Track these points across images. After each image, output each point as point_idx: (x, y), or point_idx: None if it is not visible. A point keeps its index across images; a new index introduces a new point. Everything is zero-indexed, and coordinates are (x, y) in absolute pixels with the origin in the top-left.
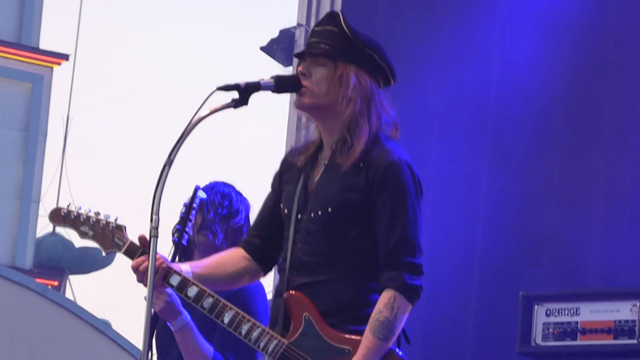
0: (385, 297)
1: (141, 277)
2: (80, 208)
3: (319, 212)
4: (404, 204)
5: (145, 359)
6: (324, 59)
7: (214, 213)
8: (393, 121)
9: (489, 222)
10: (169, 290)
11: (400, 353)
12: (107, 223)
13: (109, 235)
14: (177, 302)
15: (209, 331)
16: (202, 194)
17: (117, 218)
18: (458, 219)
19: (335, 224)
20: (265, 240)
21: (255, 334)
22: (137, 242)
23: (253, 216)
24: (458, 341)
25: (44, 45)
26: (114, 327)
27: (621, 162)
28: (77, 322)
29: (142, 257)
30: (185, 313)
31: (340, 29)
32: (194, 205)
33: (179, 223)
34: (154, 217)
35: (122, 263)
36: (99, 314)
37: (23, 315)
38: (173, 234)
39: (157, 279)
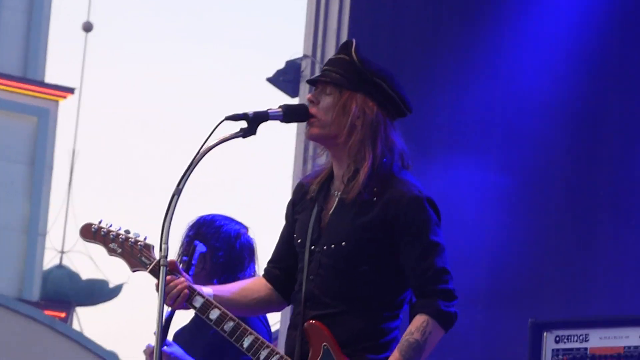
0: (418, 321)
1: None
2: (111, 225)
3: (332, 246)
4: (431, 235)
5: None
6: (331, 88)
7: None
8: (400, 152)
9: (497, 250)
10: (168, 348)
11: None
12: (136, 241)
13: (136, 254)
14: (181, 355)
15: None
16: (201, 248)
17: (146, 237)
18: (466, 247)
19: (348, 259)
20: (285, 271)
21: None
22: None
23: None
24: None
25: (49, 79)
26: (121, 358)
27: (630, 189)
28: (85, 353)
29: (167, 278)
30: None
31: (350, 58)
32: (193, 262)
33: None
34: (163, 246)
35: (129, 295)
36: (106, 345)
37: (31, 347)
38: None
39: (180, 300)
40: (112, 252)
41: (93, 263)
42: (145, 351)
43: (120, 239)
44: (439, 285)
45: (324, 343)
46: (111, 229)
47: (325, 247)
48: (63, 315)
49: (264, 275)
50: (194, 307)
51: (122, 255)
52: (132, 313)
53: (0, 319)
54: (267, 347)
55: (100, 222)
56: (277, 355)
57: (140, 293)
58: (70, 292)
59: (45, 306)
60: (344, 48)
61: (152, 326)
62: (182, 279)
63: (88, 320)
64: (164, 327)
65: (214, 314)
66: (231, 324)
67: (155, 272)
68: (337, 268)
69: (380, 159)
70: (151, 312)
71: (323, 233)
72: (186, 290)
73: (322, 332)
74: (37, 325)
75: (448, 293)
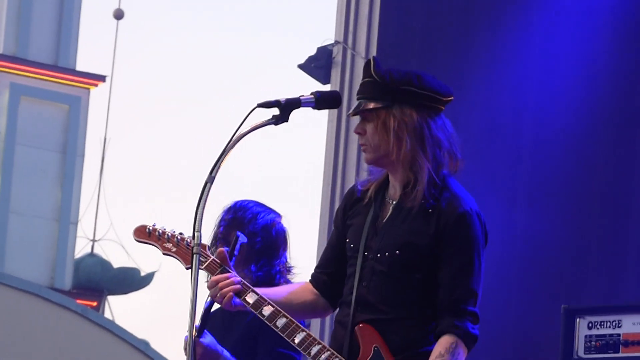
0: (447, 342)
1: (216, 292)
2: (164, 227)
3: (386, 254)
4: (472, 254)
5: None
6: (369, 115)
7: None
8: (448, 150)
9: (530, 236)
10: (203, 339)
11: None
12: (191, 241)
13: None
14: (214, 346)
15: (250, 357)
16: (243, 239)
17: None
18: (498, 233)
19: (402, 267)
20: (332, 277)
21: (324, 356)
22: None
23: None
24: (500, 356)
25: (80, 66)
26: (153, 346)
27: None
28: (117, 342)
29: (222, 275)
30: (225, 352)
31: (372, 78)
32: (235, 252)
33: None
34: (196, 234)
35: (160, 283)
36: (138, 333)
37: (64, 335)
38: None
39: (228, 299)
40: (166, 250)
41: (124, 251)
42: (184, 344)
43: (176, 239)
44: (468, 306)
45: (375, 345)
46: (166, 230)
47: (379, 255)
48: (95, 304)
49: (310, 281)
50: (247, 303)
51: (177, 254)
52: (164, 301)
53: (33, 308)
54: (319, 343)
55: (153, 225)
56: (328, 352)
57: (172, 281)
58: (102, 281)
59: (77, 295)
60: (366, 70)
61: (184, 314)
62: (237, 278)
63: (120, 309)
64: (203, 317)
65: (267, 311)
66: (284, 320)
67: (210, 270)
68: (391, 276)
69: (434, 163)
70: (183, 300)
71: (377, 239)
72: (239, 286)
73: (374, 335)
74: (69, 314)
75: (475, 316)
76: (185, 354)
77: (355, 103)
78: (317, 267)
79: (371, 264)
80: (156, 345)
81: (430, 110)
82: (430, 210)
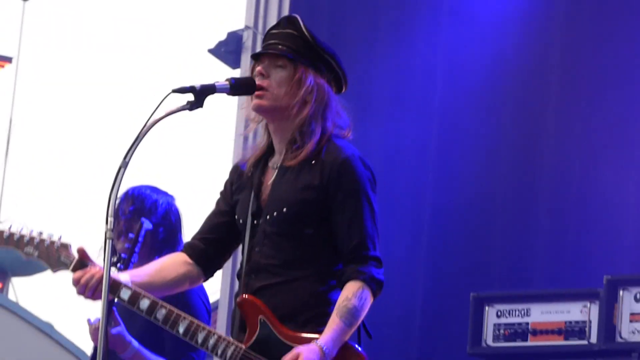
0: (354, 287)
1: (82, 289)
2: (22, 229)
3: (275, 214)
4: (362, 199)
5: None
6: (283, 61)
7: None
8: (347, 125)
9: (438, 224)
10: (114, 329)
11: (360, 349)
12: (52, 242)
13: (54, 255)
14: (124, 333)
15: (157, 342)
16: (148, 225)
17: (60, 237)
18: (405, 220)
19: (291, 223)
20: (210, 244)
21: (211, 342)
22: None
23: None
24: (407, 343)
25: None
26: (57, 329)
27: (568, 164)
28: (21, 323)
29: (80, 271)
30: (134, 341)
31: (300, 32)
32: (140, 239)
33: (124, 252)
34: (109, 219)
35: None
36: (42, 316)
37: None
38: (116, 262)
39: (93, 286)
40: (28, 255)
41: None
42: (90, 328)
43: (35, 242)
44: (369, 251)
45: (260, 316)
46: (23, 232)
47: (268, 217)
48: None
49: (184, 250)
50: (122, 300)
51: (40, 258)
52: (69, 284)
53: None
54: (204, 329)
55: (10, 228)
56: (215, 337)
57: None
58: (6, 262)
59: None
60: (290, 23)
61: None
62: (97, 267)
63: (24, 291)
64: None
65: (144, 303)
66: (163, 311)
67: (77, 269)
68: (281, 234)
69: (328, 132)
70: None
71: (264, 205)
72: (98, 269)
73: (256, 305)
74: None
75: (378, 260)
76: (91, 339)
77: None
78: (195, 236)
79: (262, 228)
80: (60, 327)
81: (335, 90)
82: (313, 162)
